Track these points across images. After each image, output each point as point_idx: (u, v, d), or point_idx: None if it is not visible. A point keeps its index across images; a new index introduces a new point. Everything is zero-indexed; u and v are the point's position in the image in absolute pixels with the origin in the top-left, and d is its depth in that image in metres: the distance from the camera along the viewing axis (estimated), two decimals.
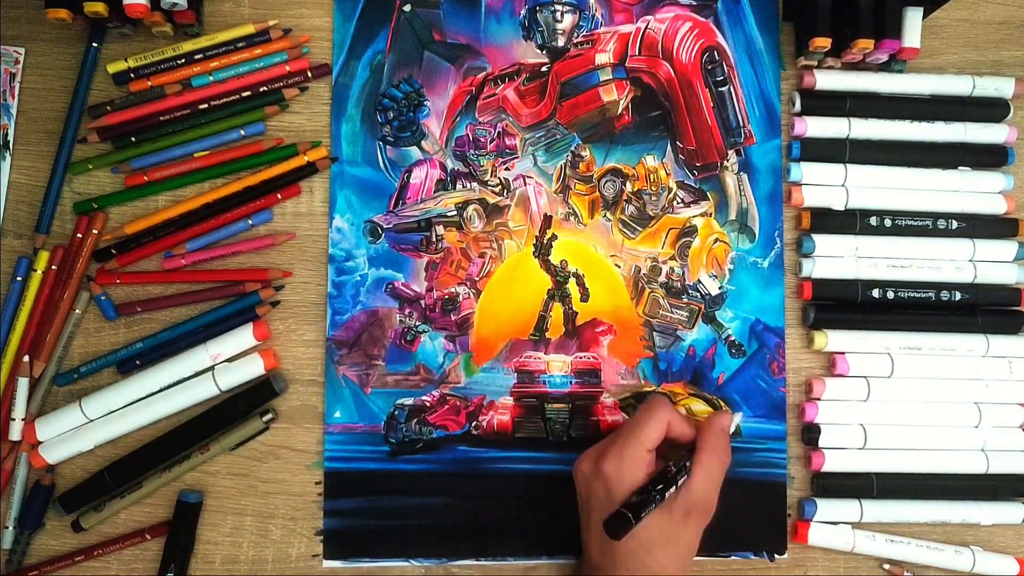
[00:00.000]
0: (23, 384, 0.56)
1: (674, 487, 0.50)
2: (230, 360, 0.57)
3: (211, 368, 0.57)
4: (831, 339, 0.61)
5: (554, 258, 0.61)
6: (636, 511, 0.48)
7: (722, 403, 0.61)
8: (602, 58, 0.62)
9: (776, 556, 0.60)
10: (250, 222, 0.59)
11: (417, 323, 0.60)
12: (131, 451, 0.57)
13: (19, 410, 0.56)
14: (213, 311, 0.58)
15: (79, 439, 0.56)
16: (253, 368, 0.57)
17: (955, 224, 0.62)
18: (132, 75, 0.59)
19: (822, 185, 0.62)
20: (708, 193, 0.62)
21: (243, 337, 0.57)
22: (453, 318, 0.60)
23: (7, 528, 0.56)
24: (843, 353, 0.61)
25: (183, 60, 0.59)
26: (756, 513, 0.60)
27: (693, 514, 0.51)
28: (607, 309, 0.61)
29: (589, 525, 0.52)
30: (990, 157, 0.64)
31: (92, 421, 0.56)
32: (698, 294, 0.61)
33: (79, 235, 0.58)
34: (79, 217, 0.58)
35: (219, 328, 0.58)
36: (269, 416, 0.58)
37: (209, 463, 0.58)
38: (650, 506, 0.49)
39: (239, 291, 0.59)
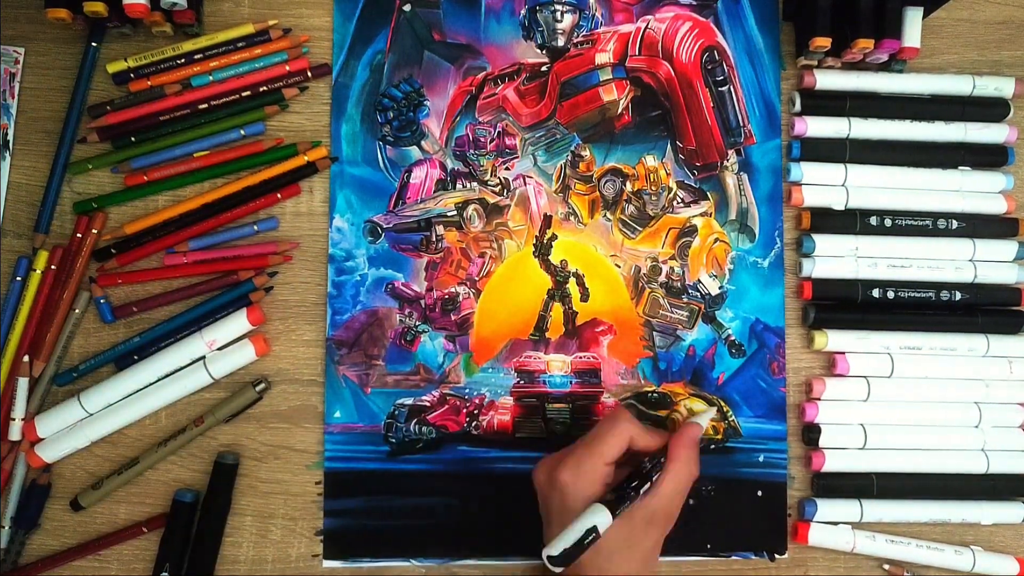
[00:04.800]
0: (23, 384, 0.56)
1: (649, 483, 0.50)
2: (222, 348, 0.57)
3: (203, 357, 0.57)
4: (831, 339, 0.61)
5: (554, 258, 0.61)
6: (613, 508, 0.47)
7: (722, 403, 0.60)
8: (602, 58, 0.62)
9: (776, 556, 0.60)
10: (255, 228, 0.59)
11: (417, 323, 0.60)
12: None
13: (19, 410, 0.56)
14: (208, 301, 0.59)
15: (75, 436, 0.56)
16: (245, 354, 0.57)
17: (955, 224, 0.62)
18: (132, 75, 0.59)
19: (822, 185, 0.62)
20: (708, 193, 0.62)
21: (237, 322, 0.57)
22: (453, 318, 0.60)
23: (4, 528, 0.56)
24: (843, 353, 0.61)
25: (183, 60, 0.59)
26: (756, 513, 0.60)
27: (655, 521, 0.50)
28: (607, 309, 0.61)
29: (548, 531, 0.52)
30: (990, 157, 0.64)
31: (89, 415, 0.56)
32: (698, 294, 0.61)
33: (79, 235, 0.58)
34: (79, 217, 0.58)
35: (215, 318, 0.58)
36: (262, 386, 0.58)
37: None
38: (625, 503, 0.48)
39: (233, 280, 0.59)
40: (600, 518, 0.47)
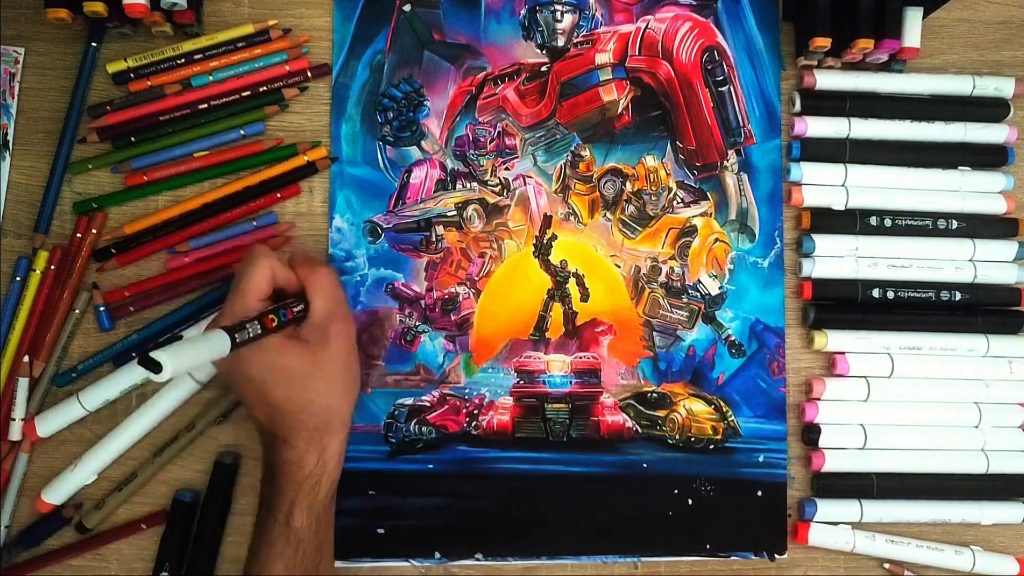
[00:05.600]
0: (23, 384, 0.56)
1: (285, 310, 0.50)
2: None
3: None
4: (831, 339, 0.61)
5: (554, 258, 0.61)
6: (233, 333, 0.45)
7: (722, 403, 0.60)
8: (602, 58, 0.62)
9: (776, 556, 0.60)
10: (254, 224, 0.59)
11: (417, 323, 0.60)
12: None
13: (19, 410, 0.56)
14: (204, 295, 0.59)
15: (81, 471, 0.56)
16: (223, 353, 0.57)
17: (955, 224, 0.62)
18: (132, 75, 0.59)
19: (822, 185, 0.62)
20: (708, 193, 0.62)
21: None
22: (453, 318, 0.60)
23: (3, 528, 0.56)
24: (843, 353, 0.61)
25: (183, 60, 0.59)
26: (756, 513, 0.60)
27: (330, 331, 0.51)
28: (607, 309, 0.61)
29: (243, 396, 0.52)
30: (990, 157, 0.64)
31: (87, 415, 0.57)
32: (698, 294, 0.61)
33: (79, 235, 0.58)
34: (79, 217, 0.58)
35: (211, 313, 0.58)
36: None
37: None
38: (252, 324, 0.47)
39: (229, 274, 0.59)
40: (219, 344, 0.45)
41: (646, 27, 0.63)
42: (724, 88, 0.63)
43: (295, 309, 0.51)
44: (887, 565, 0.61)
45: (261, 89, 0.60)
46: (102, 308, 0.58)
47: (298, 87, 0.61)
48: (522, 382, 0.60)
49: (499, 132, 0.62)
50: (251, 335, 0.47)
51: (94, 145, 0.59)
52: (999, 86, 0.63)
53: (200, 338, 0.45)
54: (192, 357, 0.43)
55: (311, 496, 0.51)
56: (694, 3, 0.63)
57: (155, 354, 0.41)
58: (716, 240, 0.62)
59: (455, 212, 0.61)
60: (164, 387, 0.57)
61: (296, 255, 0.54)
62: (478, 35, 0.62)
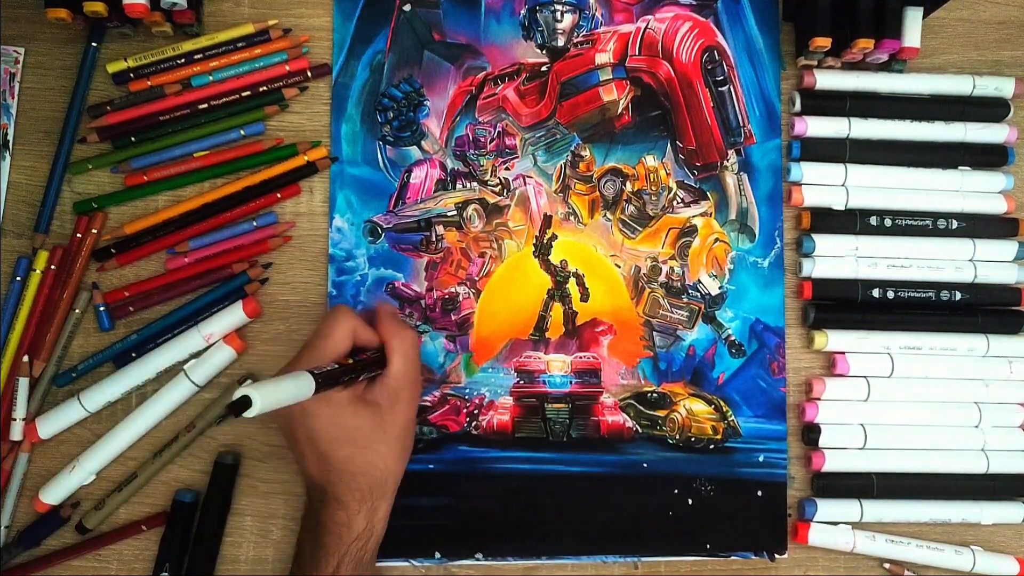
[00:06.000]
0: (23, 384, 0.56)
1: (364, 369, 0.50)
2: (197, 355, 0.57)
3: (182, 368, 0.57)
4: (831, 339, 0.61)
5: (554, 258, 0.61)
6: (319, 380, 0.45)
7: (722, 403, 0.60)
8: (602, 58, 0.62)
9: (776, 556, 0.60)
10: (255, 224, 0.59)
11: (417, 323, 0.60)
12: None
13: (19, 410, 0.56)
14: (204, 296, 0.59)
15: (79, 473, 0.56)
16: (223, 355, 0.57)
17: (955, 224, 0.62)
18: (132, 75, 0.59)
19: (822, 185, 0.62)
20: (708, 193, 0.62)
21: (234, 315, 0.57)
22: (453, 318, 0.60)
23: (3, 528, 0.56)
24: (843, 353, 0.61)
25: (183, 60, 0.59)
26: (756, 513, 0.60)
27: (402, 395, 0.51)
28: (607, 309, 0.61)
29: (299, 450, 0.51)
30: (990, 157, 0.64)
31: (87, 415, 0.56)
32: (698, 294, 0.61)
33: (79, 235, 0.58)
34: (79, 217, 0.58)
35: (211, 312, 0.58)
36: (248, 382, 0.58)
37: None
38: (339, 382, 0.47)
39: (228, 274, 0.59)
40: (304, 386, 0.45)
41: (646, 27, 0.63)
42: (724, 88, 0.63)
43: (373, 365, 0.51)
44: (887, 565, 0.61)
45: (261, 89, 0.60)
46: (102, 308, 0.58)
47: (298, 87, 0.61)
48: (522, 382, 0.60)
49: (499, 132, 0.62)
50: (334, 380, 0.47)
51: (94, 145, 0.59)
52: (999, 86, 0.63)
53: (286, 378, 0.44)
54: (279, 395, 0.43)
55: (357, 557, 0.50)
56: (694, 3, 0.63)
57: (247, 390, 0.41)
58: (716, 240, 0.62)
59: (455, 212, 0.61)
60: (162, 388, 0.57)
61: (383, 310, 0.54)
62: (478, 35, 0.62)
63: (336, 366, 0.48)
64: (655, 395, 0.61)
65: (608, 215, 0.62)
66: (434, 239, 0.61)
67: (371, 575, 0.53)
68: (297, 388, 0.44)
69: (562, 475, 0.59)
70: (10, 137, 0.59)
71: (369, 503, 0.51)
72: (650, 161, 0.62)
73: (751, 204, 0.62)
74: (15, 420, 0.56)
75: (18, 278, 0.57)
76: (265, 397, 0.41)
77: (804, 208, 0.62)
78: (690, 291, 0.61)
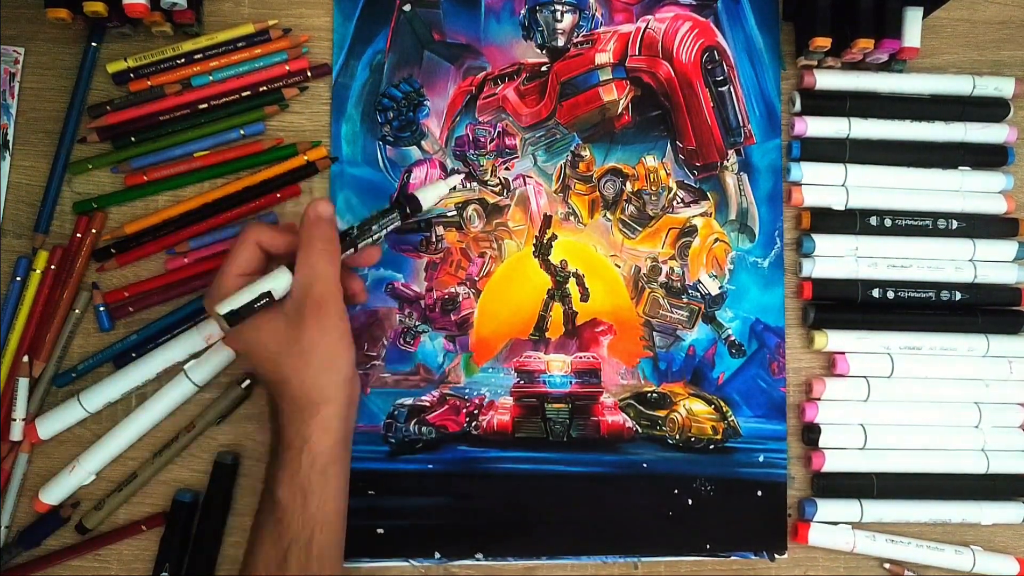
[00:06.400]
0: (23, 384, 0.56)
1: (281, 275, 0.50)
2: (197, 356, 0.57)
3: (182, 369, 0.57)
4: (831, 339, 0.61)
5: (554, 258, 0.61)
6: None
7: (722, 403, 0.60)
8: (602, 58, 0.62)
9: (776, 556, 0.60)
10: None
11: (417, 323, 0.60)
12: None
13: (19, 410, 0.56)
14: (204, 296, 0.58)
15: (76, 474, 0.56)
16: (222, 356, 0.57)
17: (955, 224, 0.62)
18: (132, 75, 0.59)
19: (822, 185, 0.62)
20: (708, 193, 0.62)
21: None
22: (453, 318, 0.60)
23: (3, 528, 0.56)
24: (843, 353, 0.61)
25: (183, 60, 0.59)
26: (756, 513, 0.60)
27: (306, 309, 0.49)
28: (607, 309, 0.61)
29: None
30: (990, 157, 0.64)
31: (87, 416, 0.56)
32: (698, 294, 0.61)
33: (79, 235, 0.58)
34: (79, 217, 0.58)
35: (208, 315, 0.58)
36: (247, 382, 0.58)
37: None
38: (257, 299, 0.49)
39: None
40: (280, 281, 0.49)
41: (646, 27, 0.63)
42: (724, 88, 0.63)
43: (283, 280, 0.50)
44: (887, 565, 0.61)
45: (261, 89, 0.60)
46: (102, 308, 0.58)
47: (298, 87, 0.61)
48: (522, 382, 0.60)
49: (499, 132, 0.62)
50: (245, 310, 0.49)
51: (94, 145, 0.59)
52: (999, 86, 0.63)
53: (264, 279, 0.49)
54: (248, 295, 0.49)
55: (292, 470, 0.49)
56: (694, 3, 0.63)
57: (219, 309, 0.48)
58: (716, 240, 0.62)
59: (455, 212, 0.61)
60: (162, 388, 0.57)
61: (307, 218, 0.50)
62: (478, 35, 0.62)
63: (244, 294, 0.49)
64: (655, 395, 0.61)
65: (608, 215, 0.62)
66: (434, 239, 0.61)
67: (322, 501, 0.50)
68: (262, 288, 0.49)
69: (562, 475, 0.59)
70: (10, 137, 0.59)
71: (297, 418, 0.49)
72: (650, 161, 0.62)
73: (751, 204, 0.62)
74: (15, 420, 0.56)
75: (18, 278, 0.57)
76: (233, 304, 0.48)
77: (804, 208, 0.62)
78: (690, 291, 0.61)
